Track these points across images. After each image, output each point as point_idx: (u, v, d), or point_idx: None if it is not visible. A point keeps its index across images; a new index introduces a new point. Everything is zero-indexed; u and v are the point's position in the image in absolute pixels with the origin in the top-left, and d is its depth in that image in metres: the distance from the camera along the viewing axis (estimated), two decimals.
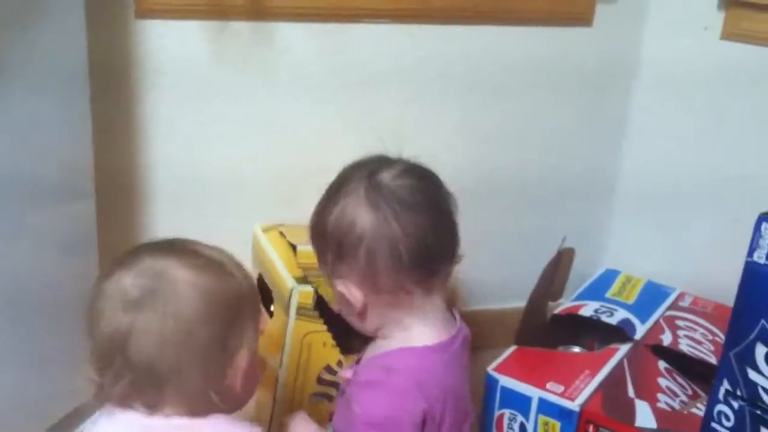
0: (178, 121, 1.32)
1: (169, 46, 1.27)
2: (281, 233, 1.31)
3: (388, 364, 0.93)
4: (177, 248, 0.86)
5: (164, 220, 1.37)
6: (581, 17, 1.49)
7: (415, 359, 0.93)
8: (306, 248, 1.20)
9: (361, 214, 0.91)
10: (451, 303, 1.01)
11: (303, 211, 1.39)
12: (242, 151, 1.37)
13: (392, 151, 0.97)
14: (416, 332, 0.95)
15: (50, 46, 1.02)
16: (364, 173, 0.93)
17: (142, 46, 1.26)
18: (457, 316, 1.00)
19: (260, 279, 1.33)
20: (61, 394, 1.15)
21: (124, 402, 0.83)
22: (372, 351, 1.00)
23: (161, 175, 1.34)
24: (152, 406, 0.83)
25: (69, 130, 1.09)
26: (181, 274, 0.82)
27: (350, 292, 0.94)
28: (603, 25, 1.50)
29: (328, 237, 0.94)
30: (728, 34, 1.44)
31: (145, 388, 0.82)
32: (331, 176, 1.40)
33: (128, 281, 0.81)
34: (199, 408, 0.84)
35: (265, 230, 1.36)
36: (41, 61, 1.01)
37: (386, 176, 0.93)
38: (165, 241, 0.88)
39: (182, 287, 0.81)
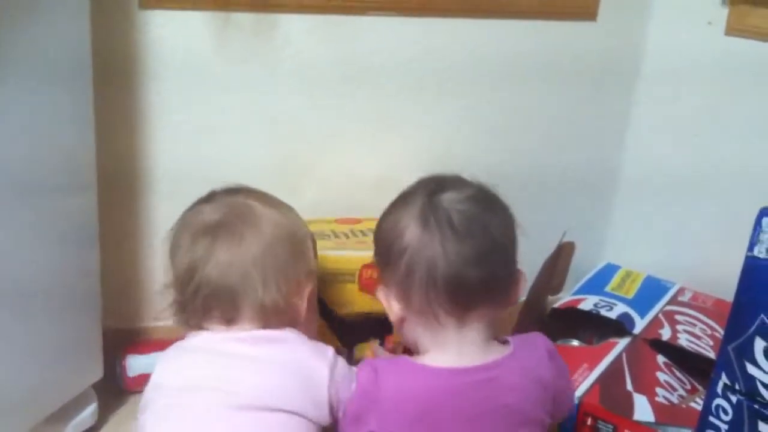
0: (180, 112, 1.32)
1: (172, 37, 1.27)
2: None
3: (378, 368, 0.92)
4: (249, 189, 1.00)
5: (165, 211, 1.36)
6: (586, 12, 1.48)
7: (405, 375, 0.91)
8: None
9: (410, 227, 0.90)
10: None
11: (305, 203, 1.40)
12: (244, 142, 1.37)
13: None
14: (431, 355, 0.92)
15: (54, 36, 1.03)
16: (430, 188, 0.93)
17: (146, 36, 1.26)
18: (512, 346, 0.94)
19: None
20: (62, 384, 1.16)
21: (203, 317, 0.93)
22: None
23: (162, 165, 1.34)
24: (230, 321, 0.92)
25: (72, 121, 1.09)
26: (255, 204, 0.96)
27: (389, 302, 0.94)
28: (607, 19, 1.49)
29: (380, 241, 0.95)
30: (732, 30, 1.44)
31: (223, 301, 0.91)
32: (333, 170, 1.43)
33: (207, 209, 0.95)
34: (272, 326, 0.93)
35: None
36: (44, 52, 1.01)
37: (448, 197, 0.91)
38: (237, 186, 1.01)
39: (257, 214, 0.94)
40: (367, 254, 1.20)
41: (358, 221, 1.34)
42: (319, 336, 1.19)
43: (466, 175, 0.96)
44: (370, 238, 1.26)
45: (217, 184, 1.35)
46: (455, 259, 0.88)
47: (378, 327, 1.20)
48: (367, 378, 0.90)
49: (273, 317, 0.93)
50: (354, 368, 0.95)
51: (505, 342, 0.95)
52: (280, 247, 0.94)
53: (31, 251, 1.05)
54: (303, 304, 0.97)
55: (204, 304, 0.92)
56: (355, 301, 1.21)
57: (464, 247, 0.88)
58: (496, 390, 0.90)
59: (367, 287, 1.21)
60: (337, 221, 1.34)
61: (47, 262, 1.08)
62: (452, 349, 0.91)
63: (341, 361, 0.94)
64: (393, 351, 1.22)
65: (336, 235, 1.28)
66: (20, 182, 1.02)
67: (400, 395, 0.89)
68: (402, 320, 0.94)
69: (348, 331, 1.24)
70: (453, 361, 0.90)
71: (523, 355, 0.94)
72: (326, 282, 1.19)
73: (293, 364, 0.91)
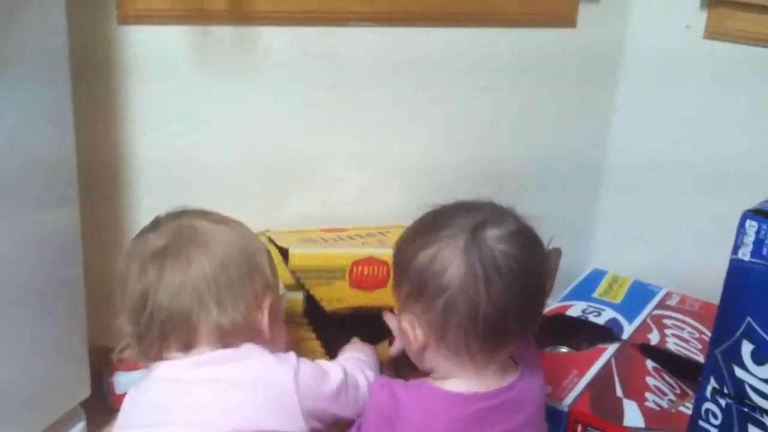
0: (161, 128, 1.31)
1: (151, 52, 1.26)
2: (270, 239, 1.31)
3: (398, 393, 0.91)
4: (194, 210, 0.98)
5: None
6: (564, 18, 1.49)
7: (425, 402, 0.91)
8: (298, 251, 1.20)
9: (453, 266, 0.87)
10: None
11: (290, 217, 1.40)
12: (227, 156, 1.36)
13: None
14: (450, 381, 0.93)
15: (31, 47, 1.01)
16: (470, 223, 0.89)
17: (125, 52, 1.25)
18: (520, 370, 0.95)
19: None
20: (49, 403, 1.15)
21: (161, 347, 0.91)
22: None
23: (145, 180, 1.33)
24: (188, 345, 0.91)
25: (51, 133, 1.08)
26: (201, 223, 0.94)
27: (414, 332, 0.92)
28: (586, 25, 1.50)
29: (412, 273, 0.90)
30: (711, 33, 1.44)
31: (178, 327, 0.89)
32: (317, 181, 1.42)
33: (153, 236, 0.93)
34: (233, 344, 0.91)
35: None
36: (22, 63, 1.00)
37: (491, 234, 0.89)
38: (181, 209, 0.98)
39: (204, 234, 0.93)
40: (358, 251, 1.22)
41: (343, 230, 1.34)
42: (301, 343, 1.19)
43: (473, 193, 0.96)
44: (358, 241, 1.27)
45: (200, 197, 1.35)
46: (499, 303, 0.87)
47: (365, 325, 1.20)
48: (387, 403, 0.90)
49: (232, 336, 0.91)
50: (321, 363, 0.96)
51: (514, 360, 0.96)
52: (232, 264, 0.92)
53: (12, 266, 1.04)
54: (264, 318, 0.94)
55: (160, 332, 0.90)
56: (346, 297, 1.21)
57: (509, 290, 0.87)
58: (511, 412, 0.92)
59: (359, 283, 1.21)
60: (323, 230, 1.34)
61: (29, 278, 1.06)
62: (474, 377, 0.91)
63: (306, 364, 0.93)
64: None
65: (324, 240, 1.28)
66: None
67: (425, 420, 0.89)
68: (424, 348, 0.92)
69: (335, 334, 1.23)
70: (474, 386, 0.91)
71: (531, 372, 0.96)
72: (315, 280, 1.19)
73: (255, 381, 0.89)
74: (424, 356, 0.94)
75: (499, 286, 0.87)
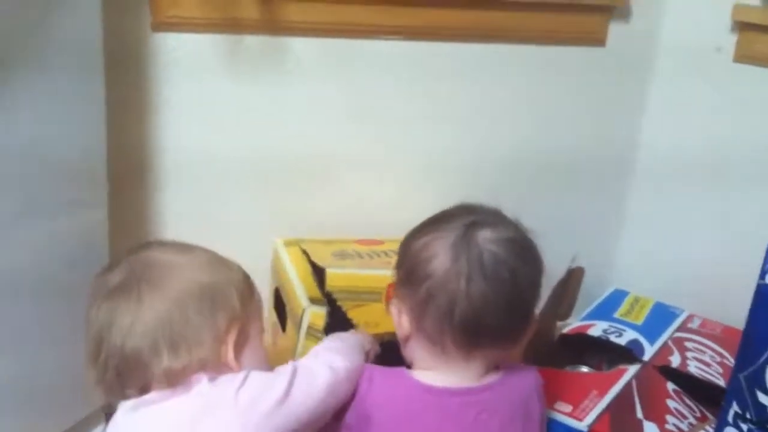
0: (191, 133, 1.32)
1: (183, 59, 1.28)
2: (303, 250, 1.31)
3: (372, 377, 0.92)
4: (160, 242, 0.93)
5: (177, 236, 1.37)
6: (595, 37, 1.49)
7: (396, 387, 0.92)
8: (336, 271, 1.19)
9: (439, 256, 0.89)
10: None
11: (317, 224, 1.41)
12: (255, 163, 1.37)
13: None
14: (428, 373, 0.93)
15: (67, 51, 1.03)
16: (468, 220, 0.91)
17: (158, 58, 1.26)
18: (501, 374, 0.95)
19: (277, 292, 1.32)
20: (69, 405, 1.15)
21: (122, 389, 0.85)
22: None
23: (174, 183, 1.34)
24: (143, 389, 0.84)
25: (83, 134, 1.09)
26: (162, 258, 0.87)
27: (400, 318, 0.93)
28: (616, 45, 1.50)
29: (406, 257, 0.93)
30: (741, 57, 1.44)
31: (133, 369, 0.83)
32: (343, 188, 1.43)
33: (112, 273, 0.86)
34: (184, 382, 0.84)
35: (287, 244, 1.34)
36: (57, 67, 1.01)
37: (484, 234, 0.90)
38: (148, 242, 0.94)
39: (163, 269, 0.85)
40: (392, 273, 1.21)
41: (380, 242, 1.33)
42: None
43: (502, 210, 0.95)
44: (394, 258, 1.27)
45: (229, 206, 1.37)
46: (476, 301, 0.87)
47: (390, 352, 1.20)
48: (364, 386, 0.92)
49: (183, 377, 0.84)
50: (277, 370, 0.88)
51: (497, 370, 0.95)
52: (190, 302, 0.84)
53: (39, 265, 1.05)
54: (229, 352, 0.87)
55: (116, 374, 0.84)
56: (382, 320, 1.19)
57: (490, 291, 0.88)
58: (481, 414, 0.91)
59: None
60: (357, 242, 1.34)
61: (56, 255, 1.07)
62: (449, 373, 0.92)
63: (254, 377, 0.84)
64: None
65: (360, 255, 1.28)
66: (30, 179, 1.02)
67: (386, 404, 0.90)
68: (408, 338, 0.94)
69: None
70: (447, 381, 0.91)
71: (512, 383, 0.95)
72: (351, 301, 1.18)
73: (200, 409, 0.82)
74: (408, 344, 0.95)
75: (480, 285, 0.87)
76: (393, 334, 1.18)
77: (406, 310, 0.92)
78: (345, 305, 1.17)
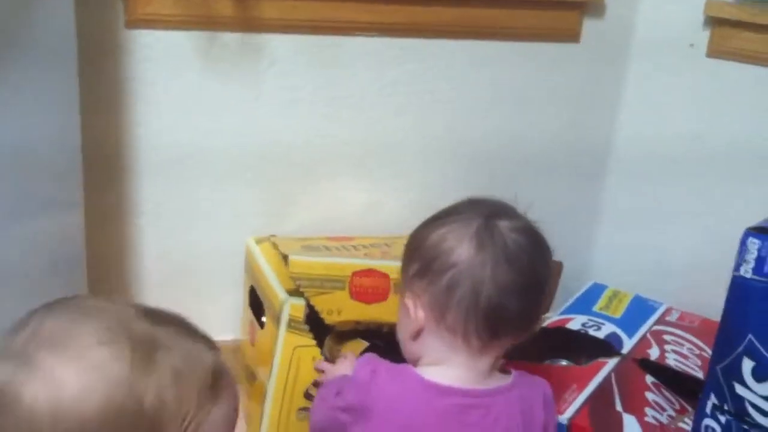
0: (166, 131, 1.31)
1: (158, 57, 1.27)
2: (274, 244, 1.31)
3: (375, 369, 0.92)
4: (58, 316, 0.61)
5: (152, 237, 1.37)
6: (569, 33, 1.50)
7: (404, 386, 0.91)
8: (298, 258, 1.20)
9: (463, 244, 0.90)
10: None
11: (293, 223, 1.40)
12: (230, 161, 1.36)
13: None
14: (437, 368, 0.93)
15: (39, 48, 1.02)
16: (484, 211, 0.93)
17: (132, 56, 1.25)
18: (512, 379, 0.95)
19: (252, 291, 1.32)
20: None
21: None
22: None
23: (148, 183, 1.33)
24: None
25: (57, 138, 1.08)
26: (47, 359, 0.57)
27: (416, 310, 0.92)
28: (590, 41, 1.50)
29: (422, 250, 0.93)
30: (714, 52, 1.45)
31: None
32: (319, 188, 1.42)
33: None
34: None
35: (258, 242, 1.35)
36: (29, 64, 1.00)
37: (504, 224, 0.91)
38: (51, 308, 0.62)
39: (46, 383, 0.56)
40: (358, 262, 1.21)
41: (350, 239, 1.34)
42: (301, 349, 1.18)
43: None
44: (362, 251, 1.26)
45: (203, 204, 1.36)
46: (502, 287, 0.89)
47: (364, 339, 1.20)
48: (364, 378, 0.91)
49: None
50: None
51: (507, 372, 0.96)
52: None
53: (14, 266, 1.04)
54: None
55: None
56: (345, 308, 1.20)
57: (514, 277, 0.89)
58: (486, 417, 0.91)
59: (358, 295, 1.20)
60: (328, 239, 1.34)
61: (30, 277, 1.05)
62: (460, 369, 0.92)
63: None
64: None
65: (327, 248, 1.29)
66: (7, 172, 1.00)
67: (391, 405, 0.90)
68: (419, 331, 0.93)
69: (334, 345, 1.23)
70: (456, 379, 0.91)
71: (521, 389, 0.95)
72: (315, 289, 1.18)
73: None
74: (418, 339, 0.94)
75: (505, 271, 0.89)
76: (356, 322, 1.20)
77: (424, 302, 0.92)
78: (308, 292, 1.17)
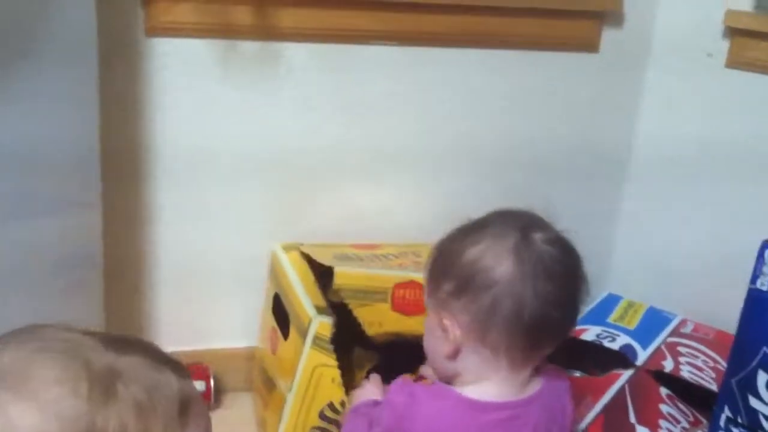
0: (184, 137, 1.33)
1: (177, 64, 1.29)
2: (305, 254, 1.30)
3: (413, 392, 0.92)
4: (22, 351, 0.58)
5: (169, 240, 1.38)
6: (588, 43, 1.49)
7: (444, 405, 0.91)
8: (342, 269, 1.19)
9: (503, 262, 0.89)
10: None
11: (312, 229, 1.40)
12: (246, 168, 1.37)
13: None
14: (477, 386, 0.92)
15: (61, 52, 1.04)
16: (518, 224, 0.92)
17: (152, 62, 1.27)
18: (541, 382, 0.95)
19: (276, 298, 1.32)
20: None
21: None
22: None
23: (166, 185, 1.35)
24: None
25: (76, 140, 1.10)
26: (4, 405, 0.55)
27: (453, 330, 0.91)
28: (609, 51, 1.50)
29: (457, 269, 0.91)
30: (733, 62, 1.45)
31: None
32: (335, 194, 1.43)
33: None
34: None
35: (286, 249, 1.35)
36: (50, 76, 1.02)
37: (538, 236, 0.91)
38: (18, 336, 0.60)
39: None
40: (399, 274, 1.22)
41: (375, 246, 1.34)
42: (321, 368, 1.18)
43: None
44: (394, 261, 1.26)
45: (220, 210, 1.37)
46: (543, 300, 0.89)
47: (410, 353, 1.20)
48: (403, 403, 0.91)
49: None
50: None
51: (534, 376, 0.95)
52: None
53: (31, 265, 1.05)
54: None
55: None
56: (386, 320, 1.20)
57: (553, 289, 0.89)
58: (525, 427, 0.92)
59: (400, 307, 1.20)
60: (353, 246, 1.34)
61: (48, 276, 1.07)
62: (501, 385, 0.92)
63: None
64: None
65: (360, 258, 1.29)
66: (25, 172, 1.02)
67: (430, 425, 0.90)
68: (457, 351, 0.92)
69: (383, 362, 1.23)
70: (495, 395, 0.91)
71: (550, 394, 0.95)
72: (359, 301, 1.18)
73: None
74: (455, 359, 0.93)
75: (545, 285, 0.89)
76: (396, 334, 1.19)
77: (462, 322, 0.90)
78: (352, 304, 1.17)
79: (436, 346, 0.94)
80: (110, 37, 1.18)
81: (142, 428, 0.57)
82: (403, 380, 0.96)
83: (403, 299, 1.20)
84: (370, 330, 1.19)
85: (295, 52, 1.34)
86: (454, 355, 0.92)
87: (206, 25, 1.27)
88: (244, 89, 1.33)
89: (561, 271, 0.91)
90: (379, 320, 1.20)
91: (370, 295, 1.19)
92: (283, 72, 1.34)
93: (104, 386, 0.56)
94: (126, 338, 0.62)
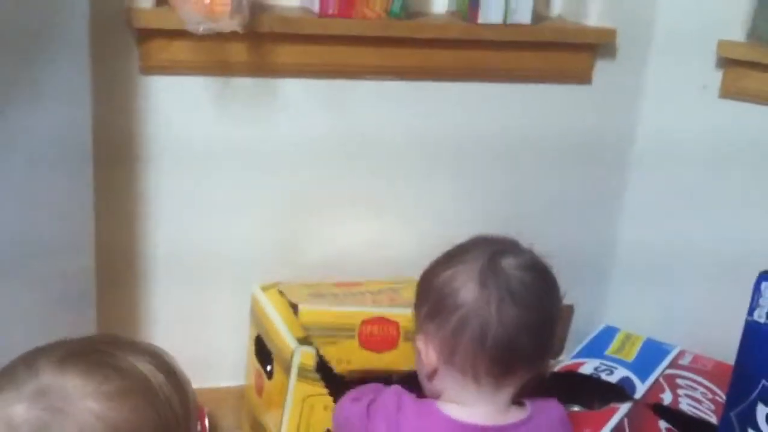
0: (179, 174, 1.33)
1: (173, 102, 1.29)
2: (280, 291, 1.31)
3: (402, 403, 0.93)
4: (89, 360, 0.64)
5: (161, 281, 1.38)
6: (581, 75, 1.50)
7: (427, 423, 0.92)
8: (308, 307, 1.19)
9: (467, 285, 0.90)
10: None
11: (302, 269, 1.40)
12: (242, 203, 1.38)
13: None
14: (458, 407, 0.93)
15: (54, 86, 1.04)
16: (489, 250, 0.93)
17: (147, 101, 1.28)
18: (529, 410, 0.95)
19: (258, 339, 1.31)
20: None
21: None
22: None
23: (163, 223, 1.35)
24: None
25: (70, 199, 1.11)
26: (86, 405, 0.61)
27: (427, 352, 0.93)
28: (602, 82, 1.51)
29: (431, 292, 0.94)
30: (727, 93, 1.45)
31: None
32: (328, 230, 1.43)
33: (18, 410, 0.61)
34: None
35: (265, 289, 1.35)
36: (44, 133, 1.03)
37: (508, 262, 0.92)
38: (77, 345, 0.66)
39: (85, 423, 0.61)
40: (368, 310, 1.21)
41: (359, 284, 1.34)
42: (313, 398, 1.17)
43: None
44: (369, 298, 1.26)
45: (213, 246, 1.37)
46: (508, 325, 0.89)
47: None
48: (392, 408, 0.92)
49: None
50: None
51: (522, 404, 0.95)
52: None
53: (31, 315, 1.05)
54: None
55: None
56: (355, 358, 1.20)
57: (520, 314, 0.90)
58: None
59: (368, 344, 1.20)
60: (336, 284, 1.34)
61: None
62: (477, 406, 0.92)
63: None
64: None
65: (335, 295, 1.29)
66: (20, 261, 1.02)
67: None
68: (434, 372, 0.94)
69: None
70: (475, 417, 0.91)
71: (539, 422, 0.95)
72: (325, 338, 1.18)
73: None
74: (434, 380, 0.94)
75: (511, 310, 0.89)
76: (366, 372, 1.18)
77: (435, 344, 0.92)
78: (317, 342, 1.17)
79: (418, 367, 0.97)
80: (105, 76, 1.19)
81: None
82: (397, 389, 0.97)
83: (371, 336, 1.20)
84: (339, 368, 1.19)
85: (291, 87, 1.35)
86: (432, 376, 0.94)
87: (202, 63, 1.27)
88: (239, 125, 1.33)
89: (530, 298, 0.91)
90: (347, 358, 1.20)
91: (337, 332, 1.19)
92: (279, 107, 1.35)
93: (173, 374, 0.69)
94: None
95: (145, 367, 0.66)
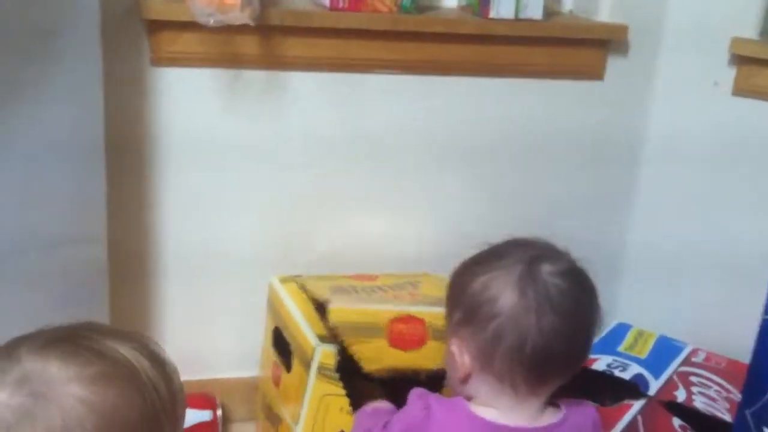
0: (189, 167, 1.33)
1: (183, 94, 1.29)
2: (302, 286, 1.29)
3: (432, 407, 0.91)
4: (70, 345, 0.64)
5: (172, 277, 1.38)
6: (592, 72, 1.49)
7: (458, 417, 0.91)
8: (337, 306, 1.17)
9: (506, 293, 0.88)
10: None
11: (312, 263, 1.40)
12: (251, 195, 1.37)
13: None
14: (490, 409, 0.92)
15: (66, 97, 1.04)
16: (526, 256, 0.91)
17: (157, 93, 1.27)
18: (563, 412, 0.93)
19: (276, 331, 1.30)
20: None
21: None
22: None
23: (172, 217, 1.35)
24: None
25: (84, 191, 1.11)
26: (69, 390, 0.61)
27: (462, 357, 0.92)
28: (613, 78, 1.50)
29: (466, 298, 0.92)
30: (739, 90, 1.44)
31: None
32: (340, 223, 1.42)
33: (1, 398, 0.61)
34: None
35: (283, 281, 1.33)
36: (57, 127, 1.03)
37: (546, 268, 0.90)
38: (58, 332, 0.66)
39: (69, 408, 0.61)
40: (395, 308, 1.20)
41: (374, 278, 1.32)
42: (328, 398, 1.16)
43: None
44: (390, 293, 1.25)
45: (226, 237, 1.37)
46: (548, 334, 0.87)
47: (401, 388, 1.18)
48: (418, 413, 0.91)
49: None
50: None
51: (556, 406, 0.94)
52: None
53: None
54: None
55: None
56: (383, 356, 1.18)
57: (559, 323, 0.88)
58: None
59: (398, 343, 1.19)
60: (352, 277, 1.33)
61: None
62: (511, 411, 0.91)
63: None
64: None
65: (356, 291, 1.27)
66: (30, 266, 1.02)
67: None
68: (468, 376, 0.92)
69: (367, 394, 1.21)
70: (508, 419, 0.90)
71: (573, 420, 0.94)
72: (353, 336, 1.16)
73: None
74: (467, 384, 0.93)
75: (550, 318, 0.88)
76: (394, 370, 1.17)
77: (470, 350, 0.91)
78: (347, 341, 1.15)
79: (450, 370, 0.95)
80: (116, 68, 1.18)
81: None
82: (421, 391, 0.95)
83: (401, 334, 1.18)
84: (369, 366, 1.17)
85: (301, 80, 1.34)
86: (465, 380, 0.92)
87: (212, 55, 1.27)
88: (249, 118, 1.33)
89: (568, 305, 0.89)
90: (377, 356, 1.18)
91: (365, 330, 1.17)
92: (289, 101, 1.34)
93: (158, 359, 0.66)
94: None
95: (128, 352, 0.65)
